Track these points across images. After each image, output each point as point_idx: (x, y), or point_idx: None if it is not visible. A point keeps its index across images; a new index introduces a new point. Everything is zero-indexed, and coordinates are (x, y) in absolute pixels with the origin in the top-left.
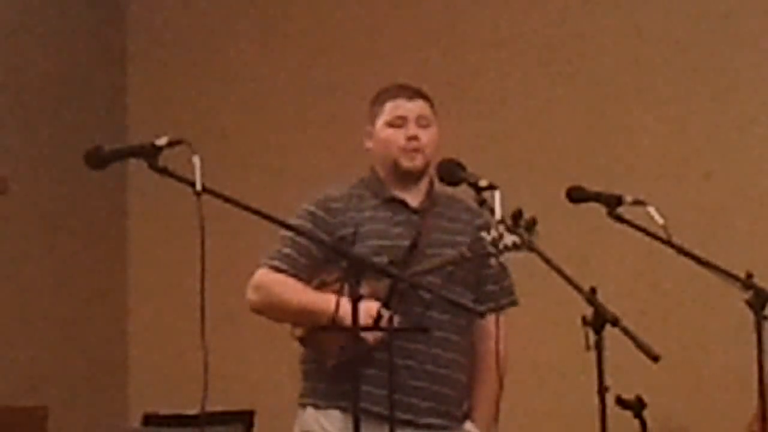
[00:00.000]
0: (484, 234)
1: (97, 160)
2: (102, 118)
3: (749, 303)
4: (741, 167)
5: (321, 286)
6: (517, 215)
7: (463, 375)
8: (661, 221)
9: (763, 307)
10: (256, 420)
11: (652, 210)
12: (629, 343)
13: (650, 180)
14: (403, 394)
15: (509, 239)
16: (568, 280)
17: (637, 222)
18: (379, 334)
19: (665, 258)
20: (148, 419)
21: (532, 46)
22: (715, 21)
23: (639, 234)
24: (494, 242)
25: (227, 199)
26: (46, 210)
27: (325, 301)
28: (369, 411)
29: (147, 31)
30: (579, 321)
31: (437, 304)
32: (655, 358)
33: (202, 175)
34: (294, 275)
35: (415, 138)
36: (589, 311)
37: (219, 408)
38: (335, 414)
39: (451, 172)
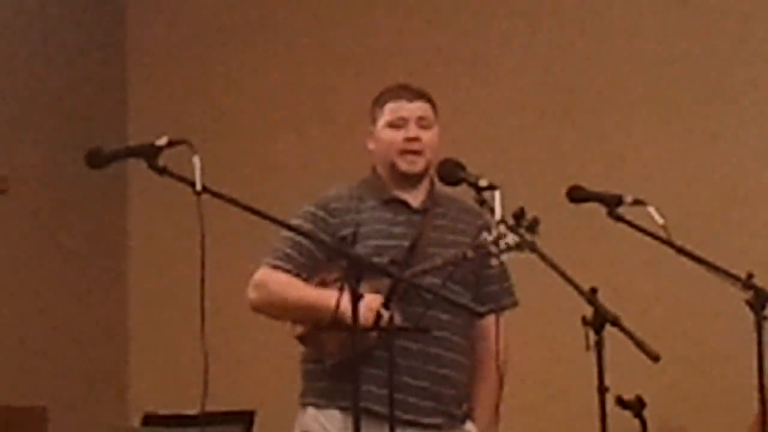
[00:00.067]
0: (485, 233)
1: (97, 160)
2: (102, 118)
3: (749, 303)
4: (741, 167)
5: (321, 286)
6: (519, 215)
7: (464, 375)
8: (661, 221)
9: (763, 307)
10: (256, 420)
11: (652, 210)
12: (629, 343)
13: (650, 180)
14: (403, 393)
15: (511, 239)
16: (568, 280)
17: (637, 222)
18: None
19: (665, 258)
20: (148, 419)
21: (533, 46)
22: (716, 20)
23: (639, 234)
24: (496, 242)
25: (227, 199)
26: (46, 210)
27: (326, 297)
28: (369, 410)
29: (147, 31)
30: (579, 321)
31: (438, 303)
32: (655, 358)
33: (202, 175)
34: (295, 274)
35: (414, 139)
36: (589, 311)
37: (219, 408)
38: (335, 414)
39: (451, 172)
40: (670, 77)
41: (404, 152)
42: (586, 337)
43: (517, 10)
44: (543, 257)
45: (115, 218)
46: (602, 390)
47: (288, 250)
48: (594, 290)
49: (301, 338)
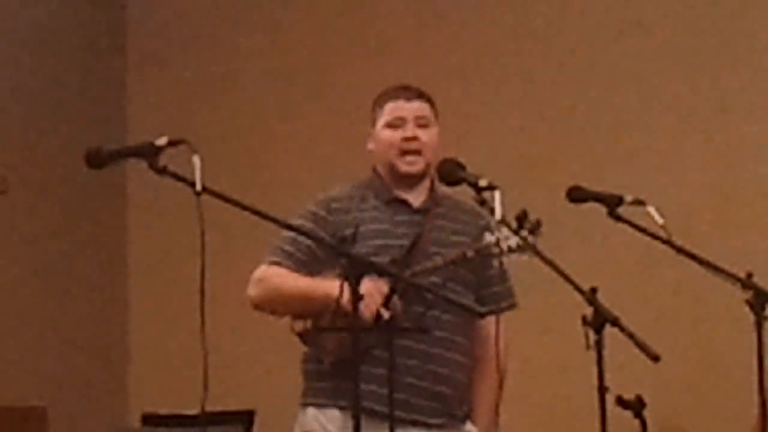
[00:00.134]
0: (487, 235)
1: (97, 160)
2: (102, 118)
3: (749, 303)
4: (741, 167)
5: None
6: (522, 217)
7: (464, 375)
8: (661, 221)
9: (763, 307)
10: (256, 420)
11: (652, 210)
12: (629, 343)
13: (650, 180)
14: (403, 393)
15: (513, 241)
16: (568, 280)
17: (637, 222)
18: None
19: (665, 258)
20: (148, 419)
21: (533, 46)
22: (717, 20)
23: (639, 234)
24: (497, 243)
25: (227, 199)
26: (46, 210)
27: (322, 284)
28: (369, 410)
29: (147, 31)
30: (579, 321)
31: (438, 303)
32: (655, 358)
33: (202, 175)
34: (294, 271)
35: (413, 138)
36: (589, 311)
37: (219, 408)
38: (336, 413)
39: (451, 172)
40: (670, 78)
41: (403, 153)
42: (586, 337)
43: (517, 10)
44: (543, 258)
45: (115, 218)
46: (602, 390)
47: (288, 248)
48: (594, 290)
49: (300, 335)
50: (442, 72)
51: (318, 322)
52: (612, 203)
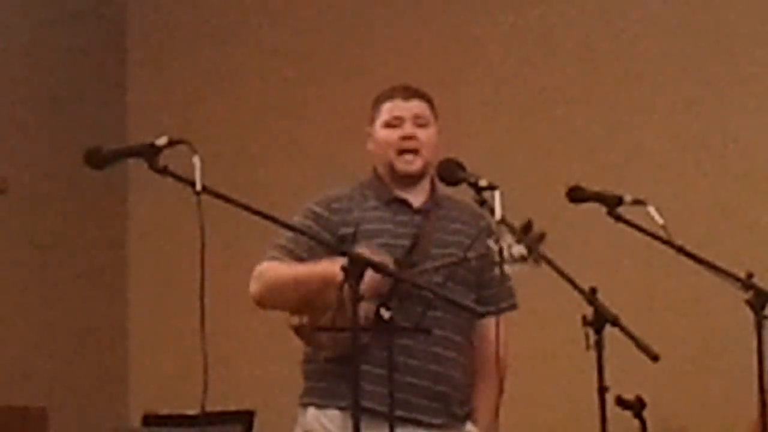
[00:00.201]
0: (490, 242)
1: (97, 160)
2: (102, 118)
3: (749, 303)
4: (741, 167)
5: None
6: (527, 227)
7: (464, 375)
8: (661, 221)
9: (763, 307)
10: (256, 420)
11: (652, 210)
12: (629, 343)
13: (650, 180)
14: (403, 392)
15: (516, 250)
16: (568, 280)
17: (637, 222)
18: (378, 281)
19: (665, 258)
20: (148, 419)
21: (533, 46)
22: (717, 20)
23: (639, 234)
24: (501, 251)
25: (227, 199)
26: (46, 210)
27: (321, 267)
28: (369, 409)
29: (147, 31)
30: (579, 321)
31: (438, 303)
32: (655, 358)
33: (202, 175)
34: None
35: (410, 137)
36: (589, 311)
37: (219, 408)
38: (336, 414)
39: (451, 172)
40: (671, 78)
41: (401, 152)
42: (586, 337)
43: (517, 10)
44: (544, 258)
45: (115, 218)
46: (602, 390)
47: (288, 245)
48: (594, 290)
49: (296, 330)
50: (442, 72)
51: (317, 321)
52: (612, 203)
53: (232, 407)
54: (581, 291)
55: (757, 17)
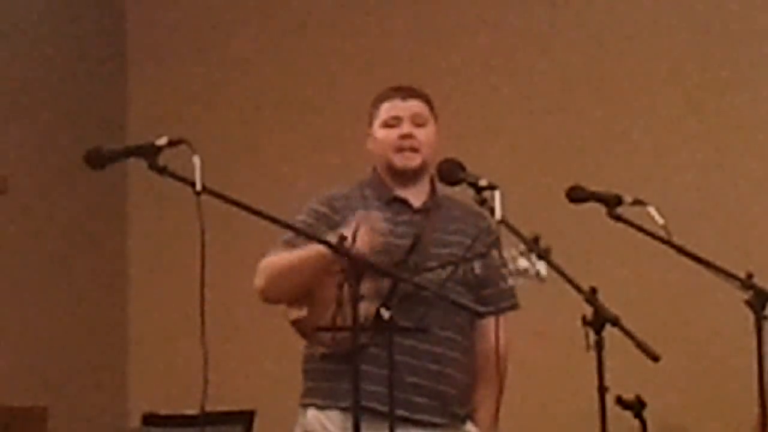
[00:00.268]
0: (495, 253)
1: (97, 160)
2: (102, 118)
3: (749, 303)
4: (741, 167)
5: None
6: (534, 242)
7: (464, 374)
8: (661, 221)
9: (763, 307)
10: (256, 420)
11: (652, 210)
12: (629, 343)
13: (650, 180)
14: (403, 391)
15: (522, 263)
16: (568, 280)
17: (637, 222)
18: (373, 243)
19: (665, 258)
20: (148, 419)
21: (533, 46)
22: (717, 20)
23: (639, 234)
24: (505, 263)
25: (227, 199)
26: (46, 210)
27: (317, 246)
28: (369, 409)
29: (147, 31)
30: (579, 321)
31: (438, 303)
32: (655, 358)
33: (202, 175)
34: None
35: (408, 136)
36: (589, 311)
37: (219, 408)
38: (336, 414)
39: (451, 172)
40: (671, 78)
41: (400, 149)
42: (586, 337)
43: (518, 10)
44: (544, 259)
45: (115, 218)
46: (602, 390)
47: (290, 240)
48: (594, 290)
49: (295, 324)
50: (443, 72)
51: (317, 316)
52: (612, 203)
53: (232, 407)
54: (581, 291)
55: (757, 17)
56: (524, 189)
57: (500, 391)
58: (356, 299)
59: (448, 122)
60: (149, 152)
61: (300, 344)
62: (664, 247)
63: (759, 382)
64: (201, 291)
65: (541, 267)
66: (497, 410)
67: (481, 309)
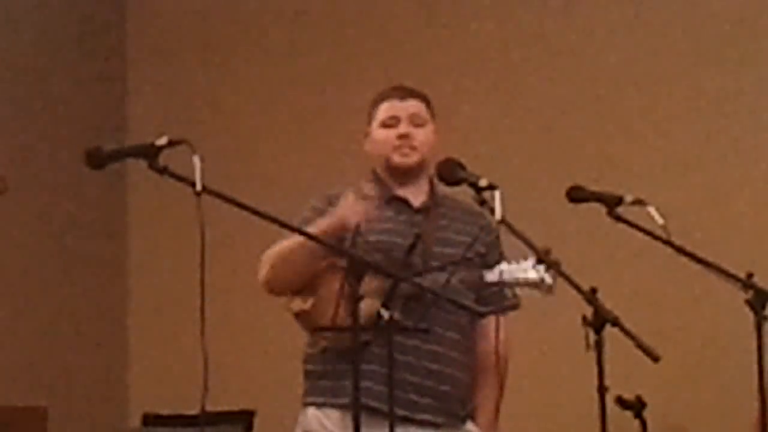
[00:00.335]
0: (504, 264)
1: (97, 160)
2: (102, 118)
3: (749, 303)
4: (741, 167)
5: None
6: (545, 254)
7: (465, 374)
8: (661, 221)
9: (763, 307)
10: (256, 420)
11: (652, 210)
12: (629, 343)
13: (650, 180)
14: (403, 390)
15: (532, 274)
16: (568, 280)
17: (637, 222)
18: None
19: (665, 258)
20: (148, 419)
21: (533, 46)
22: (717, 20)
23: (639, 234)
24: (514, 273)
25: (227, 199)
26: (46, 210)
27: (319, 222)
28: (369, 407)
29: (147, 31)
30: (579, 321)
31: (439, 302)
32: (655, 358)
33: (202, 175)
34: None
35: (406, 136)
36: (589, 311)
37: (219, 408)
38: (335, 412)
39: (451, 172)
40: (671, 78)
41: (397, 148)
42: (586, 337)
43: (518, 10)
44: (544, 259)
45: (115, 218)
46: (602, 390)
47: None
48: (594, 290)
49: (298, 316)
50: (443, 72)
51: (321, 307)
52: (612, 203)
53: (232, 407)
54: (581, 291)
55: (759, 17)
56: (524, 189)
57: (501, 391)
58: (356, 299)
59: (448, 122)
60: (149, 152)
61: (300, 344)
62: (664, 247)
63: (759, 382)
64: (201, 291)
65: (551, 280)
66: (497, 410)
67: (482, 309)
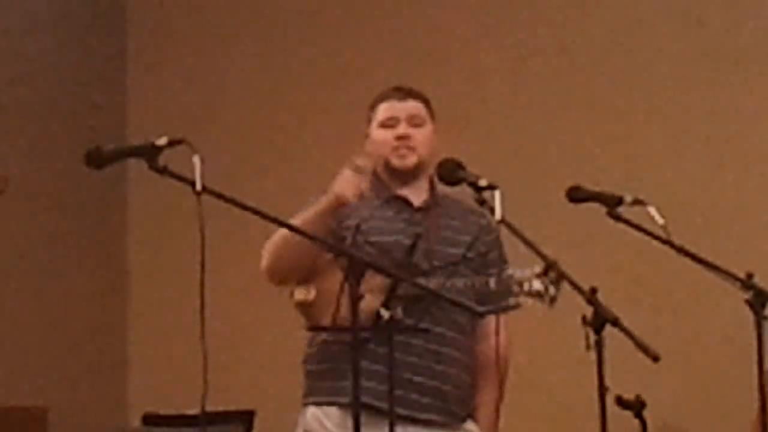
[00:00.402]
0: (511, 271)
1: (97, 160)
2: (102, 118)
3: (749, 303)
4: (741, 167)
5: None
6: (550, 267)
7: (465, 373)
8: (661, 221)
9: (763, 307)
10: (256, 420)
11: (652, 210)
12: (629, 343)
13: (650, 180)
14: (403, 389)
15: (536, 285)
16: (569, 280)
17: (637, 222)
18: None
19: (665, 258)
20: (148, 419)
21: (534, 46)
22: (717, 20)
23: (639, 234)
24: (520, 283)
25: (227, 199)
26: (46, 210)
27: (316, 202)
28: (369, 406)
29: (147, 31)
30: (579, 321)
31: (439, 302)
32: (655, 358)
33: (202, 175)
34: None
35: (405, 137)
36: (589, 311)
37: (219, 408)
38: (335, 411)
39: (451, 172)
40: (671, 78)
41: (396, 149)
42: (586, 337)
43: (518, 10)
44: (544, 258)
45: (115, 218)
46: (602, 390)
47: None
48: (594, 290)
49: (299, 306)
50: (442, 72)
51: (323, 298)
52: (612, 203)
53: (232, 407)
54: (581, 291)
55: (759, 17)
56: (524, 189)
57: (501, 391)
58: (356, 299)
59: (448, 122)
60: (149, 152)
61: (300, 344)
62: (664, 247)
63: (759, 382)
64: (201, 291)
65: (554, 291)
66: (498, 410)
67: (481, 309)
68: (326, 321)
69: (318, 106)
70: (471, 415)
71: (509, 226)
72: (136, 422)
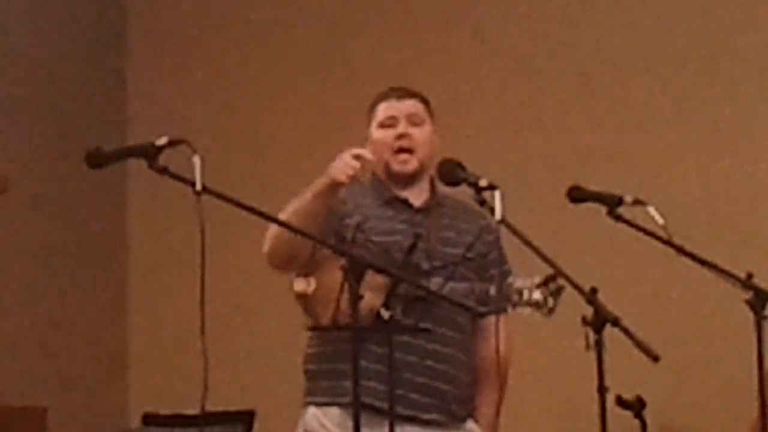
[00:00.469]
0: (511, 279)
1: (97, 160)
2: (102, 118)
3: (749, 303)
4: (741, 167)
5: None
6: (550, 279)
7: (465, 373)
8: (661, 221)
9: (763, 307)
10: (256, 420)
11: (652, 210)
12: (629, 343)
13: (650, 180)
14: (403, 389)
15: (536, 295)
16: (569, 280)
17: (637, 222)
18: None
19: (665, 258)
20: (148, 419)
21: (533, 45)
22: (717, 20)
23: (639, 234)
24: (520, 292)
25: (227, 199)
26: (46, 210)
27: (312, 185)
28: (369, 406)
29: (147, 31)
30: (579, 321)
31: (439, 301)
32: (655, 358)
33: (202, 175)
34: None
35: (404, 136)
36: (589, 311)
37: (219, 408)
38: (335, 411)
39: (451, 172)
40: (671, 77)
41: (396, 151)
42: (586, 337)
43: (517, 9)
44: (544, 258)
45: (115, 218)
46: (602, 390)
47: None
48: (594, 290)
49: (299, 297)
50: (442, 72)
51: (320, 303)
52: (612, 203)
53: (232, 407)
54: (581, 291)
55: (759, 17)
56: (524, 189)
57: (501, 391)
58: (356, 299)
59: (448, 122)
60: (149, 152)
61: (300, 344)
62: (664, 247)
63: (759, 382)
64: (201, 291)
65: (553, 303)
66: (498, 410)
67: (481, 309)
68: (326, 320)
69: (318, 107)
70: (471, 415)
71: (509, 226)
72: (136, 422)
